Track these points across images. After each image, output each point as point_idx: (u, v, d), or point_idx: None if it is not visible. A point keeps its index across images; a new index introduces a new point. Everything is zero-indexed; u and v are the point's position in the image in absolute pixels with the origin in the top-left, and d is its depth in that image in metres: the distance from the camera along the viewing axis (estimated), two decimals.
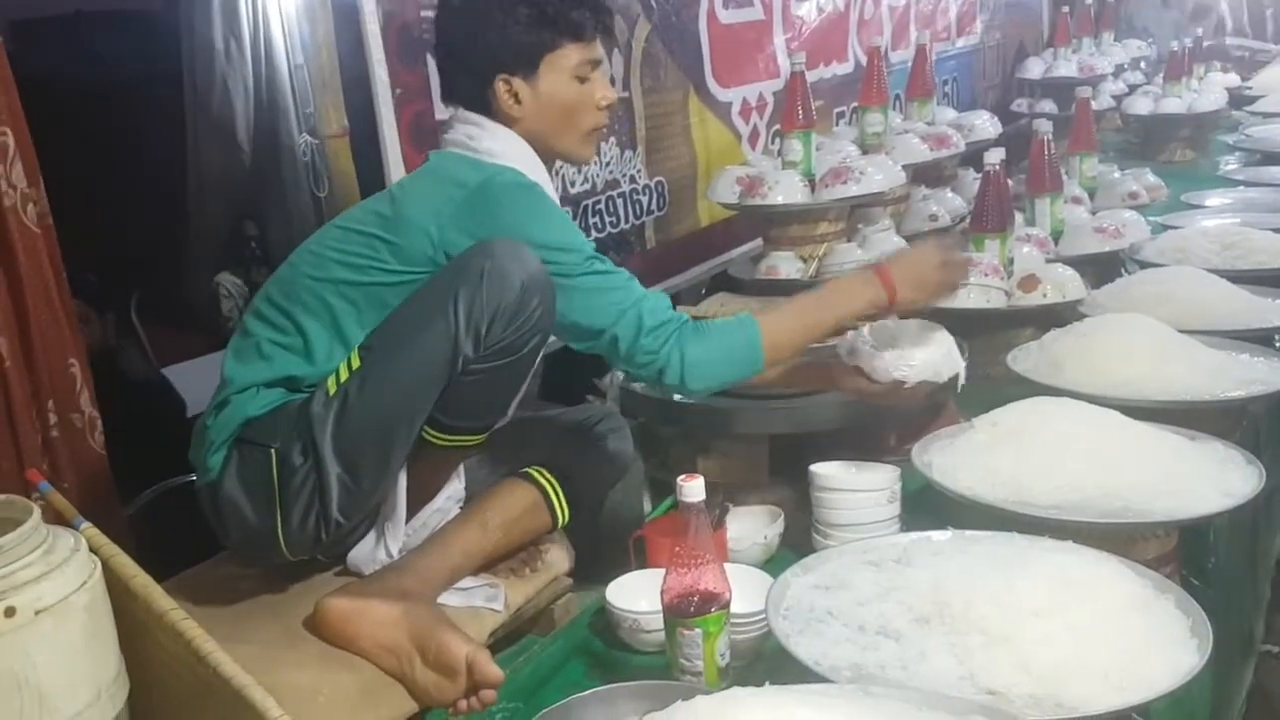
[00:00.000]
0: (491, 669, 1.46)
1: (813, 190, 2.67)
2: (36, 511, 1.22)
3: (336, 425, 1.53)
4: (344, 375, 1.56)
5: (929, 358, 1.80)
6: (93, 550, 1.29)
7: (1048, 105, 5.14)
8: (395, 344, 1.55)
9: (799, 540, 1.86)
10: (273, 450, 1.55)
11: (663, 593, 1.44)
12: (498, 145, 1.71)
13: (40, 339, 1.67)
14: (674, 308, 1.70)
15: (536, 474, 1.77)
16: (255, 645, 1.50)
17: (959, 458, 1.74)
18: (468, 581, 1.68)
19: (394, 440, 1.56)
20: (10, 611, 1.13)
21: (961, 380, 1.92)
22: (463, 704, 1.48)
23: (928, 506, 1.80)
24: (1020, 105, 5.37)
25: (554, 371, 2.80)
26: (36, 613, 1.15)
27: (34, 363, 1.66)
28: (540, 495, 1.75)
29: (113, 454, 1.81)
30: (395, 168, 2.23)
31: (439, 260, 1.60)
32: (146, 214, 3.21)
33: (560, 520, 1.77)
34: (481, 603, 1.67)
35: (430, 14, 2.18)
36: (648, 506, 2.14)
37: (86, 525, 1.34)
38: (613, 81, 2.69)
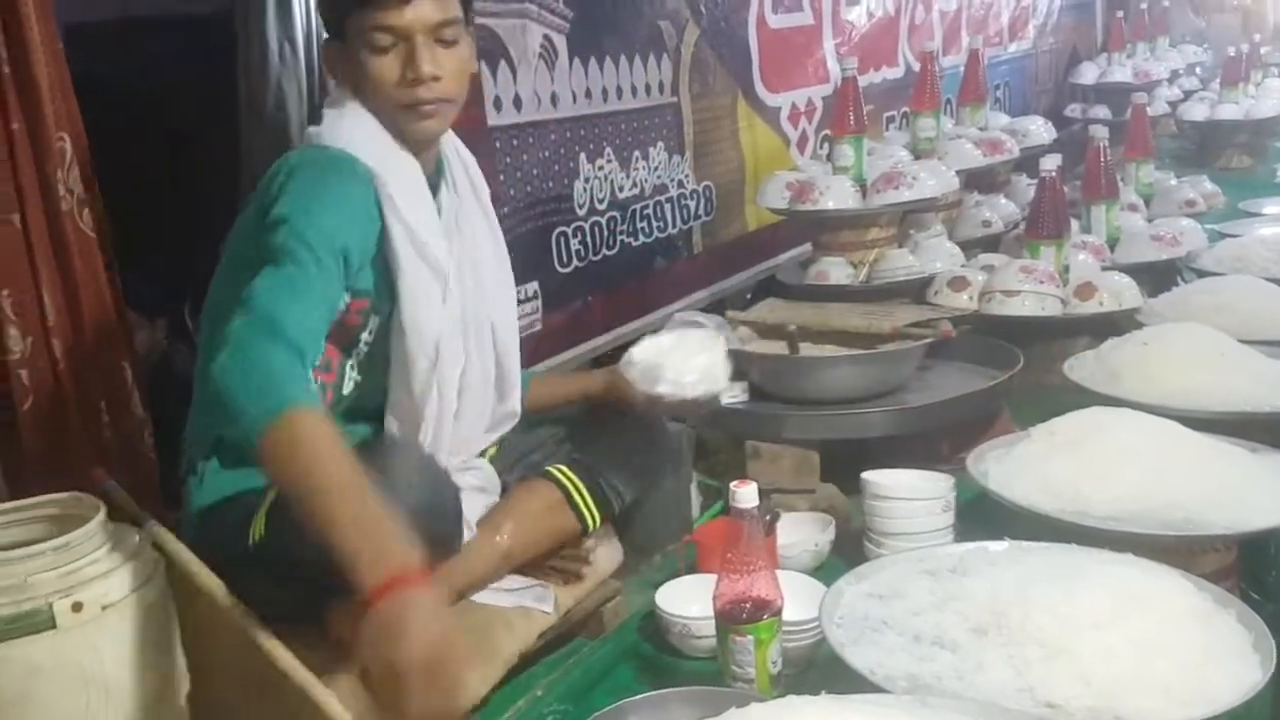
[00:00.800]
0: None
1: (864, 196, 2.65)
2: (103, 509, 1.24)
3: (261, 574, 1.36)
4: (256, 535, 1.42)
5: (679, 375, 1.75)
6: (156, 547, 1.31)
7: (1102, 110, 5.08)
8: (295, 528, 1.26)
9: (849, 548, 1.85)
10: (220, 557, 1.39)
11: (715, 599, 1.43)
12: (344, 123, 1.55)
13: (93, 341, 1.69)
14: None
15: (559, 473, 1.74)
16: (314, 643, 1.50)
17: (1015, 467, 1.72)
18: (517, 581, 1.69)
19: (318, 582, 1.27)
20: (77, 606, 1.15)
21: (721, 400, 1.90)
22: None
23: (981, 516, 1.78)
24: (1074, 110, 5.31)
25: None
26: (103, 608, 1.18)
27: (87, 365, 1.68)
28: (562, 495, 1.72)
29: (162, 456, 1.83)
30: None
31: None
32: (200, 217, 3.26)
33: (588, 521, 1.73)
34: (531, 603, 1.67)
35: (483, 20, 2.20)
36: (696, 511, 2.13)
37: (151, 522, 1.36)
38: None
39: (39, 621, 1.14)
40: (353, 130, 1.54)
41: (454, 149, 1.72)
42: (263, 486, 1.42)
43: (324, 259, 1.39)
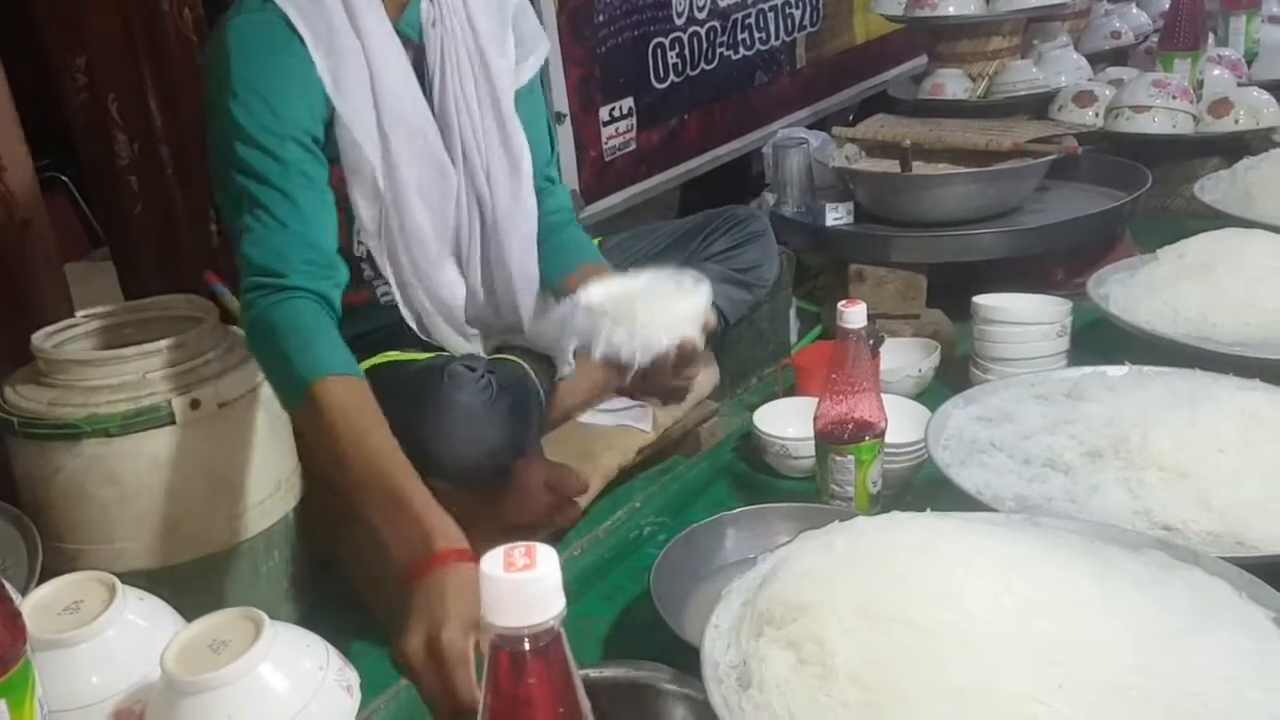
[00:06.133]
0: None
1: (987, 1, 2.48)
2: (215, 310, 1.25)
3: None
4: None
5: (650, 322, 1.28)
6: None
7: None
8: None
9: (952, 375, 1.80)
10: None
11: (816, 419, 1.41)
12: None
13: (198, 147, 1.69)
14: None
15: None
16: None
17: (1139, 291, 1.65)
18: (620, 402, 1.69)
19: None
20: (195, 404, 1.18)
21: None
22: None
23: (1096, 343, 1.71)
24: None
25: (696, 194, 2.75)
26: (219, 405, 1.20)
27: (194, 170, 1.69)
28: None
29: None
30: None
31: None
32: None
33: None
34: (630, 422, 1.68)
35: None
36: (794, 336, 2.10)
37: None
38: None
39: (158, 417, 1.17)
40: None
41: None
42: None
43: (288, 159, 1.18)
